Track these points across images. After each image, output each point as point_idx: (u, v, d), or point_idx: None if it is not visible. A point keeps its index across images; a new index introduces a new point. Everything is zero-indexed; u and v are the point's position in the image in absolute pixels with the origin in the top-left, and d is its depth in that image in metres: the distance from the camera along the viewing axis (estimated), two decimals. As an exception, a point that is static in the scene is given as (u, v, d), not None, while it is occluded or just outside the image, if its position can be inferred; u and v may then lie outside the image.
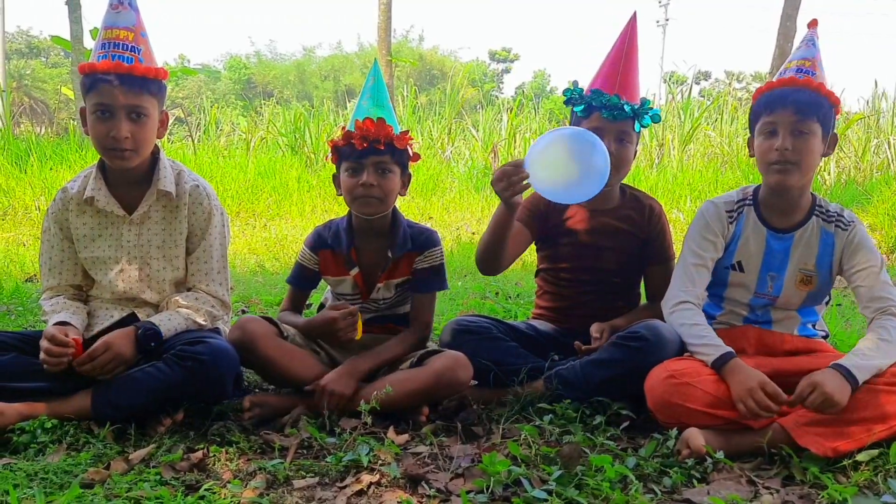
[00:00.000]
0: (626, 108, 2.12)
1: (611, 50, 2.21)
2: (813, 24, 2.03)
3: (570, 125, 2.21)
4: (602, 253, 2.26)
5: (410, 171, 2.19)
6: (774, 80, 1.98)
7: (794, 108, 1.89)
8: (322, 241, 2.21)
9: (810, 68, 1.94)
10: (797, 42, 2.07)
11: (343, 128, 2.13)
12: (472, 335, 2.15)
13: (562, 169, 1.81)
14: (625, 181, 2.31)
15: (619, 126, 2.14)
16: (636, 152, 2.28)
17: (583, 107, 2.16)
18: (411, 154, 2.14)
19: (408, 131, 2.13)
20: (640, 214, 2.28)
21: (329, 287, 2.32)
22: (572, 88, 2.22)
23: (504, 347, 2.14)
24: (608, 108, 2.12)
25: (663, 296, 2.13)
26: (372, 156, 2.04)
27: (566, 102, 2.24)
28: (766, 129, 1.94)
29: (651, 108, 2.19)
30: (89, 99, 1.93)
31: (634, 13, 2.21)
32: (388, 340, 2.14)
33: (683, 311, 1.97)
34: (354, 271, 2.16)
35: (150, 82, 1.94)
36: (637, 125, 2.19)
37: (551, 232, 2.32)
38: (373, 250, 2.17)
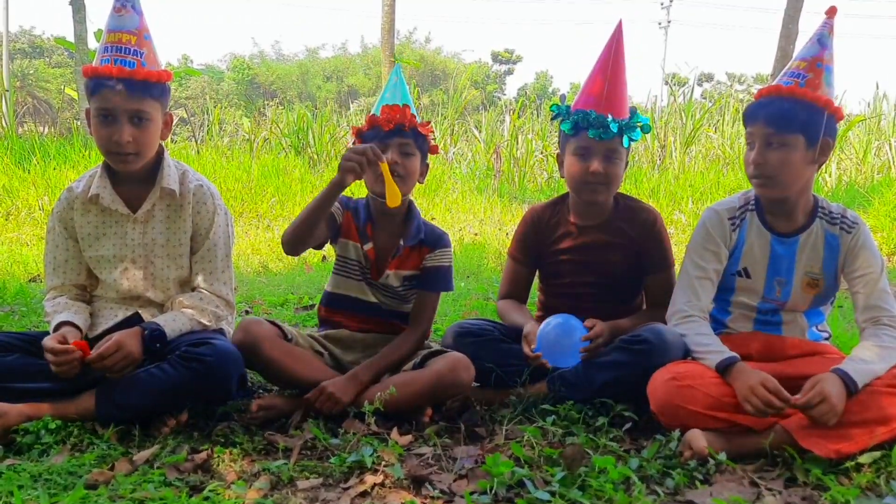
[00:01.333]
0: (614, 127, 2.11)
1: (597, 62, 2.18)
2: (831, 12, 1.94)
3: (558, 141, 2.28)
4: (596, 267, 2.26)
5: (429, 161, 2.24)
6: (764, 87, 1.95)
7: (765, 121, 1.88)
8: (349, 204, 2.26)
9: (804, 70, 1.89)
10: (809, 35, 1.99)
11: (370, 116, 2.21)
12: (473, 337, 2.16)
13: (555, 346, 2.07)
14: (625, 182, 2.31)
15: (607, 145, 2.13)
16: (627, 163, 2.28)
17: (570, 125, 2.16)
18: (431, 144, 2.21)
19: (429, 122, 2.19)
20: (631, 225, 2.25)
21: (333, 272, 2.31)
22: (559, 104, 2.22)
23: (506, 349, 2.15)
24: (595, 128, 2.11)
25: (663, 304, 2.13)
26: (396, 137, 2.11)
27: (553, 118, 2.25)
28: (747, 141, 1.96)
29: (641, 119, 2.17)
30: (92, 102, 1.94)
31: (620, 22, 2.18)
32: (390, 342, 2.16)
33: (689, 323, 1.97)
34: (368, 246, 2.20)
35: (152, 86, 1.94)
36: (626, 140, 2.18)
37: (546, 257, 2.34)
38: (387, 234, 2.21)
